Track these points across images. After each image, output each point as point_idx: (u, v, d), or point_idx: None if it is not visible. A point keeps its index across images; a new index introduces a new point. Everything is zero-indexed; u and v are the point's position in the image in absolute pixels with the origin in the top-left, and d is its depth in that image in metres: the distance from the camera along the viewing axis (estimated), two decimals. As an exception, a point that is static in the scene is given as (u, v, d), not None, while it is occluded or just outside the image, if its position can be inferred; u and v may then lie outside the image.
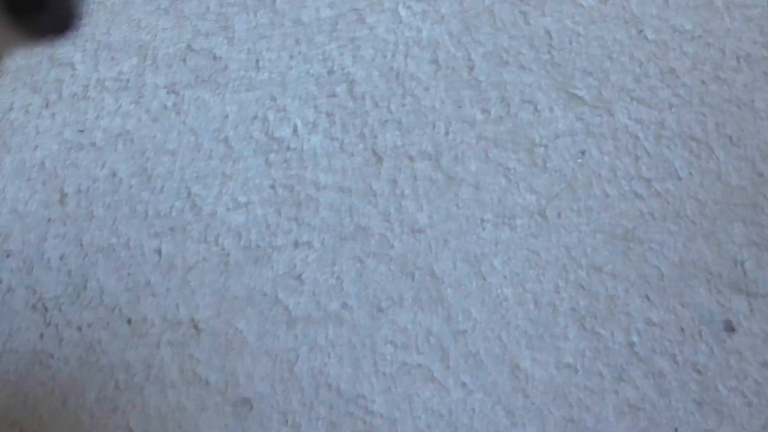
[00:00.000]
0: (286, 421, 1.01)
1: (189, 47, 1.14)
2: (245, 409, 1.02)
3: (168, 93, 1.13)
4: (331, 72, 1.10)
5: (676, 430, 0.95)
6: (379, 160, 1.06)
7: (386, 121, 1.07)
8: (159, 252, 1.08)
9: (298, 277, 1.05)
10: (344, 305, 1.03)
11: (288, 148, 1.08)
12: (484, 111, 1.05)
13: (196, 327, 1.05)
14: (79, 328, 1.06)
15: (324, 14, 1.13)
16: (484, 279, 1.01)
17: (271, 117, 1.09)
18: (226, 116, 1.10)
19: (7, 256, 1.08)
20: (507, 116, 1.04)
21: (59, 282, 1.07)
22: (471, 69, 1.06)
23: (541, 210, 1.01)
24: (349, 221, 1.05)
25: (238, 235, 1.07)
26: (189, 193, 1.09)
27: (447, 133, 1.05)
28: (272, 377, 1.03)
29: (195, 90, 1.12)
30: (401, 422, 1.00)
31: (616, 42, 1.04)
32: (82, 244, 1.09)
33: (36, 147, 1.11)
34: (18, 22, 0.38)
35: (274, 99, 1.10)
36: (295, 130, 1.08)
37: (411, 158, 1.05)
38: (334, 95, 1.09)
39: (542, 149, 1.03)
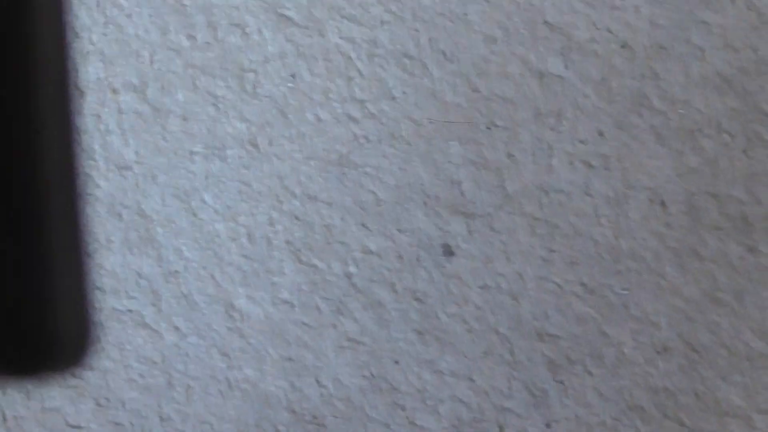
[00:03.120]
0: (-11, 383, 0.93)
1: None
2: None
3: None
4: (27, 1, 1.00)
5: (397, 362, 0.92)
6: (82, 94, 0.97)
7: (88, 53, 0.98)
8: None
9: (-2, 227, 0.96)
10: (48, 253, 0.95)
11: (-17, 87, 0.98)
12: (191, 37, 0.98)
13: None
14: None
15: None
16: (195, 215, 0.95)
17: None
18: None
19: None
20: (214, 42, 0.97)
21: None
22: (177, -8, 0.98)
23: (252, 138, 0.95)
24: (51, 162, 0.96)
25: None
26: None
27: (152, 62, 0.97)
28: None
29: None
30: (113, 373, 0.93)
31: (328, -43, 0.98)
32: None
33: None
34: None
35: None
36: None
37: (115, 91, 0.97)
38: (31, 26, 0.99)
39: (252, 75, 0.96)
